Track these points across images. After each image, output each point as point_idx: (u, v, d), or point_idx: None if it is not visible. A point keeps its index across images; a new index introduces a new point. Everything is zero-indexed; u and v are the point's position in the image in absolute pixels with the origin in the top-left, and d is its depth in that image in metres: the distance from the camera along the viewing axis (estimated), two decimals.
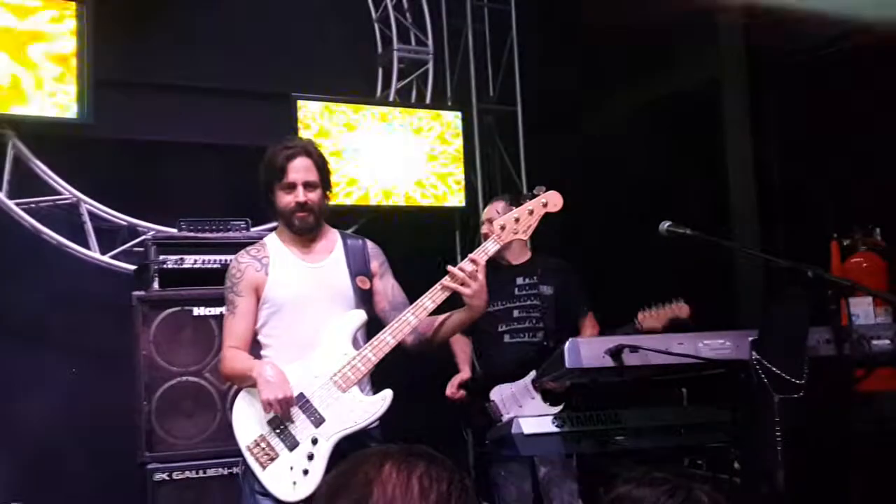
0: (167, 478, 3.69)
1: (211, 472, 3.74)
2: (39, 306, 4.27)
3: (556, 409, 3.37)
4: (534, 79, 5.57)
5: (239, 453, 2.50)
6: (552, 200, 2.64)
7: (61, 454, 4.22)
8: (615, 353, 2.33)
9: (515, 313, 3.60)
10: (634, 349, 2.32)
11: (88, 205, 4.44)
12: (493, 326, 3.60)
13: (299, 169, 2.60)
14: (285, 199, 2.61)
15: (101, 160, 4.44)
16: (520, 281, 3.64)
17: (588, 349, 2.35)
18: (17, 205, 4.25)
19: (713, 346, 2.37)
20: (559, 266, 3.72)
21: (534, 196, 2.65)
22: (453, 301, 2.63)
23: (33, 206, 4.31)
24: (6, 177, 4.24)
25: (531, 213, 2.64)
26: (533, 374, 3.40)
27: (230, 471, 3.70)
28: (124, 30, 4.53)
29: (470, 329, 3.37)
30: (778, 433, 2.24)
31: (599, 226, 5.14)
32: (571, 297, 3.67)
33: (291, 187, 2.60)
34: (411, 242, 4.61)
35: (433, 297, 2.57)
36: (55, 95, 4.27)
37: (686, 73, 5.14)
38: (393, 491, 1.04)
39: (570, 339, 2.38)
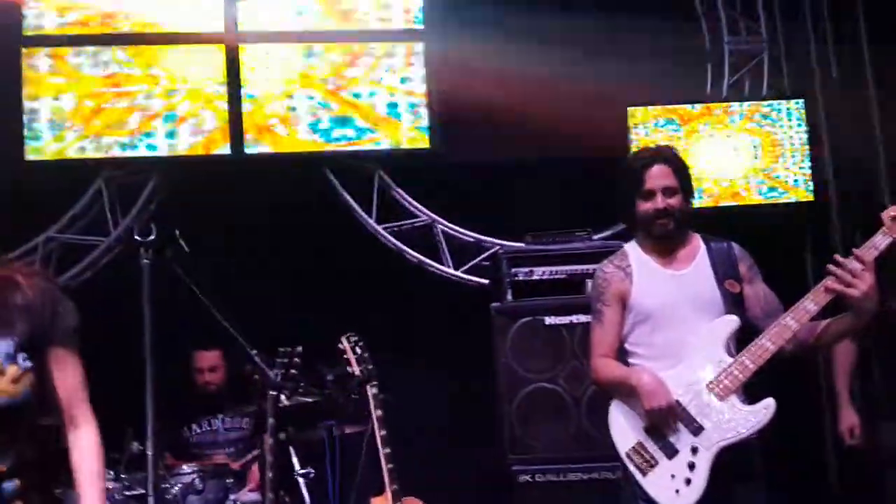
0: (530, 480, 3.87)
1: (571, 476, 3.85)
2: (405, 319, 4.74)
3: None
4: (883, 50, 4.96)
5: (602, 458, 2.53)
6: None
7: (429, 455, 4.53)
8: None
9: None
10: None
11: (441, 225, 4.87)
12: None
13: (657, 176, 2.59)
14: (644, 207, 2.60)
15: (450, 183, 4.84)
16: None
17: None
18: (384, 229, 4.81)
19: None
20: None
21: None
22: None
23: (396, 229, 4.84)
24: (374, 204, 4.81)
25: None
26: None
27: (589, 476, 3.79)
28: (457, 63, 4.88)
29: (861, 334, 2.99)
30: None
31: None
32: None
33: (650, 195, 2.59)
34: (756, 244, 4.34)
35: (816, 299, 2.39)
36: (411, 130, 4.75)
37: None
38: None
39: None
